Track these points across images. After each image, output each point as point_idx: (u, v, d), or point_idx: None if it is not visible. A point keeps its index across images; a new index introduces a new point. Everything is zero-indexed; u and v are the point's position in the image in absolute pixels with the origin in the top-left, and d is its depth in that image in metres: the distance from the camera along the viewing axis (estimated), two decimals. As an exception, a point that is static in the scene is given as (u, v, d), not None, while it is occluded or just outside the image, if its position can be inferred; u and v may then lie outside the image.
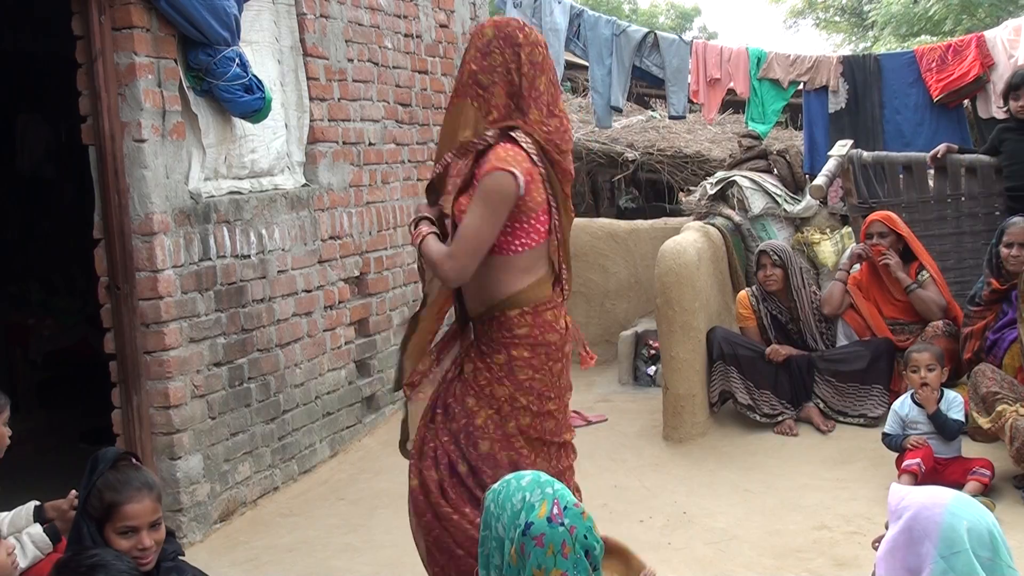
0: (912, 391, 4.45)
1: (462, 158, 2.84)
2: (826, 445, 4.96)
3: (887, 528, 2.08)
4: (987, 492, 4.08)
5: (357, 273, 5.47)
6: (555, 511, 1.95)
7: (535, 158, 2.78)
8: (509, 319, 2.81)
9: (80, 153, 4.08)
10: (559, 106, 2.90)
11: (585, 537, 1.96)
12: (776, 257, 5.37)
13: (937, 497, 1.99)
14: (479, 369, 2.85)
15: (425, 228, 2.86)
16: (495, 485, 2.08)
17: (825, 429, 5.12)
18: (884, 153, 6.23)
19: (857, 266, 5.49)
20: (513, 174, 2.70)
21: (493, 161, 2.72)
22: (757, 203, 6.63)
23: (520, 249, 2.80)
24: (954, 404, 4.35)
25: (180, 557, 2.71)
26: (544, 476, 2.06)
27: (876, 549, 2.12)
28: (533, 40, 2.84)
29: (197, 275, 4.22)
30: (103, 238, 4.01)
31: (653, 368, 6.22)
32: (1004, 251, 4.52)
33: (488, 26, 2.87)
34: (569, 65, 9.16)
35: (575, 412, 5.75)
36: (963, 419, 4.31)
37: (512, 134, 2.79)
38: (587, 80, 8.14)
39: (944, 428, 4.30)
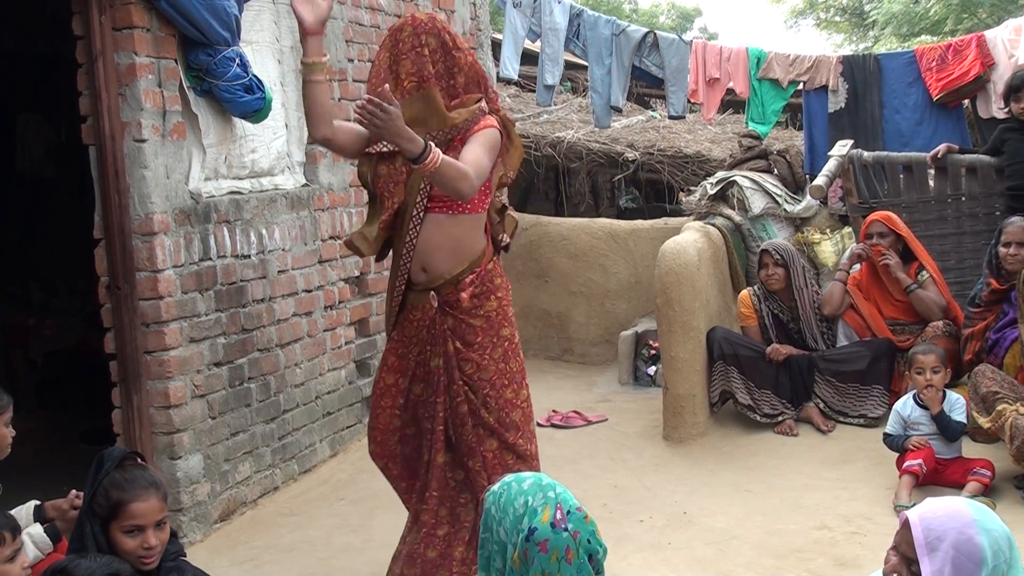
0: (914, 391, 4.46)
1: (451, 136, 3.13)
2: (826, 445, 4.96)
3: (894, 553, 2.03)
4: (987, 492, 4.09)
5: (357, 273, 5.47)
6: (558, 516, 1.94)
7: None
8: (490, 272, 3.29)
9: (80, 153, 4.07)
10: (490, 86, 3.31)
11: (588, 542, 1.95)
12: (778, 256, 5.37)
13: (961, 515, 1.96)
14: (472, 326, 3.26)
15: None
16: (495, 487, 2.07)
17: (825, 429, 5.12)
18: (884, 153, 6.23)
19: (857, 266, 5.49)
20: (499, 131, 3.16)
21: (486, 121, 3.12)
22: (757, 203, 6.63)
23: (482, 209, 3.24)
24: (956, 405, 4.36)
25: (182, 557, 2.72)
26: (546, 479, 2.05)
27: None
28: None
29: (197, 275, 4.22)
30: (103, 238, 4.00)
31: (653, 368, 6.22)
32: (1002, 251, 4.53)
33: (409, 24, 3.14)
34: (569, 65, 9.12)
35: (575, 412, 5.75)
36: (965, 420, 4.32)
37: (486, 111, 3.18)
38: (587, 80, 8.13)
39: (947, 429, 4.31)
